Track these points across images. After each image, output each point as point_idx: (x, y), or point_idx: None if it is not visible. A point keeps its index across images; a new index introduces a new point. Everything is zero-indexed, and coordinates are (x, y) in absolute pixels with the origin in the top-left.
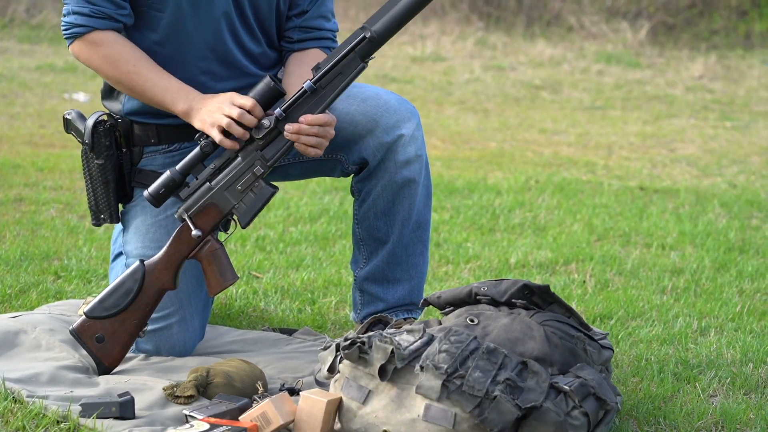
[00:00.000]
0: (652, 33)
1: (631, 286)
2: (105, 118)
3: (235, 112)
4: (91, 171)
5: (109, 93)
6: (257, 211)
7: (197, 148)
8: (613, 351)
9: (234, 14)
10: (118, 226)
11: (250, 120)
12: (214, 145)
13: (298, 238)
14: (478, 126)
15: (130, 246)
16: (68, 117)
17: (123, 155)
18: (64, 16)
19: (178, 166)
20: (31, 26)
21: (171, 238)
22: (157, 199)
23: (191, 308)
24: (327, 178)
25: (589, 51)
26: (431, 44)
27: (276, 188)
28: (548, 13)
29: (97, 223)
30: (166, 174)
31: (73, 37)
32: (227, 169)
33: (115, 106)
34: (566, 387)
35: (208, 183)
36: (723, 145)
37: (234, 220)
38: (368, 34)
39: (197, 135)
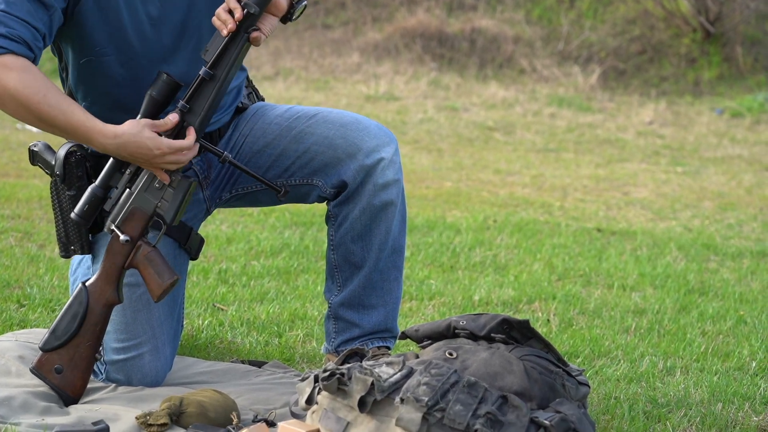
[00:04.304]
0: (603, 78)
1: (595, 325)
2: (75, 149)
3: (182, 159)
4: (62, 203)
5: None
6: (179, 205)
7: (111, 159)
8: (589, 387)
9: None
10: (77, 257)
11: (190, 157)
12: None
13: (261, 271)
14: (433, 165)
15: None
16: (35, 149)
17: None
18: None
19: (97, 181)
20: None
21: (104, 252)
22: (84, 218)
23: (163, 336)
24: (287, 213)
25: (541, 94)
26: (385, 83)
27: (194, 179)
28: (501, 55)
29: (67, 255)
30: (88, 191)
31: None
32: (143, 172)
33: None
34: (546, 422)
35: (127, 189)
36: (675, 189)
37: (160, 219)
38: (247, 9)
39: None
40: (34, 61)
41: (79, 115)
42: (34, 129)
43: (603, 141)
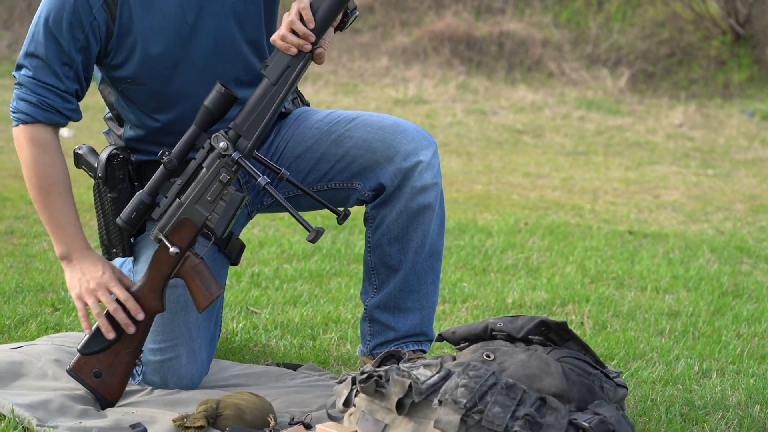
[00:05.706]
0: (632, 81)
1: (630, 327)
2: (118, 152)
3: (111, 307)
4: (104, 205)
5: (115, 119)
6: (230, 219)
7: (161, 167)
8: (627, 389)
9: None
10: (118, 259)
11: (125, 316)
12: (178, 161)
13: (293, 275)
14: (462, 168)
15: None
16: (79, 152)
17: (135, 188)
18: (14, 100)
19: (145, 188)
20: (13, 61)
21: (150, 260)
22: (130, 225)
23: (200, 339)
24: (319, 216)
25: (570, 97)
26: (413, 87)
27: (246, 193)
28: (529, 59)
29: (109, 257)
30: (136, 197)
31: (17, 122)
32: (194, 182)
33: (118, 130)
34: (586, 423)
35: (177, 199)
36: (706, 192)
37: (210, 231)
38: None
39: (159, 153)
40: (74, 113)
41: (70, 219)
42: (66, 134)
43: (632, 144)
